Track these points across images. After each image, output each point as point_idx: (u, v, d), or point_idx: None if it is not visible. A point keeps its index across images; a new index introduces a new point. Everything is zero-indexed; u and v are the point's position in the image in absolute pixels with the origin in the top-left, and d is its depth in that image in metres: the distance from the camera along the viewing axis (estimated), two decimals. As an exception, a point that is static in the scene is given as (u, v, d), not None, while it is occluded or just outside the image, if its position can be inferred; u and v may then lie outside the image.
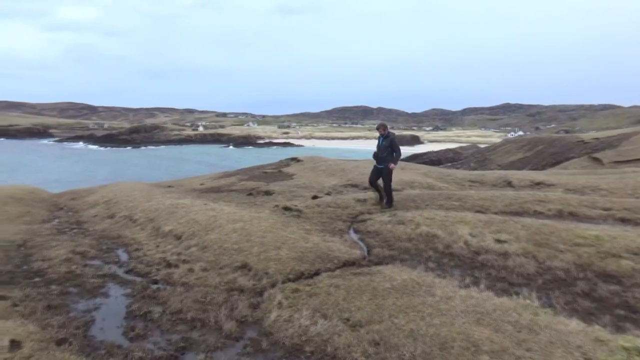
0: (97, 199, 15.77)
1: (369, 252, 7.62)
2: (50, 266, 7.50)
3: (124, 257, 8.27)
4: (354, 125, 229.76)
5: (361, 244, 8.20)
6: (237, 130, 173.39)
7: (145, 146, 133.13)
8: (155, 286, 6.52)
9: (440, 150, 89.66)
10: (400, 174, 16.81)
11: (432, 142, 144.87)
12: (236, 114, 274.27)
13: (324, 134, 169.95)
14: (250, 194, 14.49)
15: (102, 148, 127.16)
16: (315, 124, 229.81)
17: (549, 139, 56.17)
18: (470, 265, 6.91)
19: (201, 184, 19.04)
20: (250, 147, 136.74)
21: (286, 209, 10.44)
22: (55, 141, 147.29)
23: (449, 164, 65.69)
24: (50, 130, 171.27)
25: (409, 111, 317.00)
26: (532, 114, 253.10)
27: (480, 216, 9.21)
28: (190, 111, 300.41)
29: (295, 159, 24.32)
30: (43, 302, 5.78)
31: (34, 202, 16.54)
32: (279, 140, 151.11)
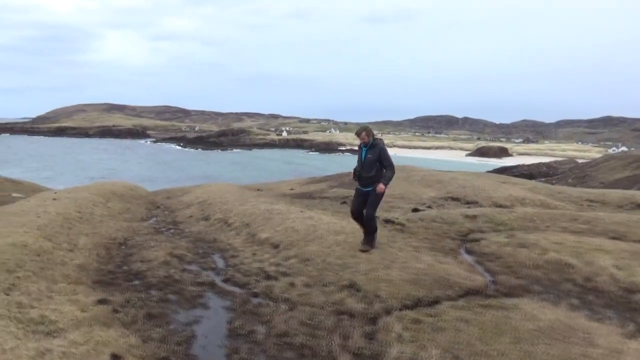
0: (191, 199, 15.95)
1: (493, 280, 6.61)
2: (149, 268, 7.31)
3: (220, 263, 7.92)
4: (437, 135, 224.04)
5: (479, 268, 7.20)
6: (319, 137, 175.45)
7: (231, 149, 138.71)
8: (255, 300, 6.01)
9: (532, 164, 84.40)
10: (509, 189, 15.35)
11: (522, 155, 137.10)
12: (319, 120, 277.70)
13: (406, 143, 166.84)
14: (344, 202, 13.88)
15: (192, 149, 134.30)
16: (397, 133, 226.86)
17: (663, 156, 50.43)
18: (626, 306, 5.69)
19: (291, 189, 18.78)
20: (333, 153, 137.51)
21: (387, 221, 9.64)
22: (151, 142, 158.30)
23: (543, 179, 61.24)
24: (148, 132, 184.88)
25: (497, 122, 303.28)
26: (638, 128, 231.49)
27: (621, 244, 7.85)
28: (275, 116, 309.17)
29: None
30: (144, 309, 5.46)
31: (133, 199, 17.14)
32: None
